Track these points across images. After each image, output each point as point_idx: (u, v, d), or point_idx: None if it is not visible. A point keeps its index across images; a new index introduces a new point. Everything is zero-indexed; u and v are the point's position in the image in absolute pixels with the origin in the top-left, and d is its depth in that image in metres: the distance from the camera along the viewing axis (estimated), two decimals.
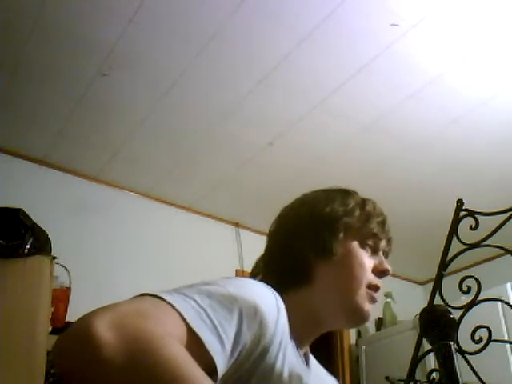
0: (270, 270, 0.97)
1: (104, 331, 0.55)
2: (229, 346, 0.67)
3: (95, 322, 0.56)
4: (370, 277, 0.93)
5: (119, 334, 0.56)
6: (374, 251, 0.96)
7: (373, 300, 0.92)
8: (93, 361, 0.55)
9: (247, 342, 0.70)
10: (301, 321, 0.88)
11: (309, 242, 0.93)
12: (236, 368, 0.71)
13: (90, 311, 0.59)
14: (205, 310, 0.66)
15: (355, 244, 0.94)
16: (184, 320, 0.63)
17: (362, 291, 0.91)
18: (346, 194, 0.99)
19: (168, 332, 0.60)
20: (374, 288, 0.93)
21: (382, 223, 0.98)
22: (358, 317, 0.92)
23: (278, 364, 0.77)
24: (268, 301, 0.77)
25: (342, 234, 0.93)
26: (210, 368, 0.63)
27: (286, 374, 0.79)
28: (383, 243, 0.97)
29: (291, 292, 0.90)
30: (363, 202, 0.98)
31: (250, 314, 0.71)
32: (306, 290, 0.91)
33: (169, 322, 0.62)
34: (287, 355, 0.79)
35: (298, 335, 0.86)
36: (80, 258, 2.99)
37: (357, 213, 0.96)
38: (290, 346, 0.81)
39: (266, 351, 0.74)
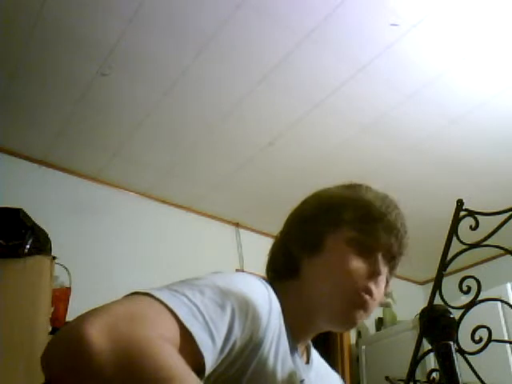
0: (271, 262, 0.95)
1: (96, 338, 0.54)
2: (220, 342, 0.66)
3: (87, 327, 0.55)
4: (360, 283, 0.84)
5: (111, 341, 0.55)
6: (370, 251, 0.87)
7: (361, 306, 0.85)
8: (85, 368, 0.54)
9: (239, 338, 0.70)
10: (294, 315, 0.85)
11: (298, 234, 0.90)
12: (230, 364, 0.71)
13: (80, 314, 0.58)
14: (197, 307, 0.66)
15: (345, 242, 0.86)
16: (176, 317, 0.63)
17: (348, 296, 0.84)
18: (357, 186, 0.92)
19: (160, 334, 0.59)
20: (365, 292, 0.85)
21: (389, 219, 0.90)
22: (340, 321, 0.87)
23: (271, 357, 0.76)
24: (259, 293, 0.76)
25: (333, 226, 0.87)
26: (200, 364, 0.63)
27: (279, 368, 0.78)
28: (385, 240, 0.88)
29: (284, 285, 0.89)
30: (365, 190, 0.91)
31: (242, 309, 0.70)
32: (295, 284, 0.89)
33: (160, 321, 0.62)
34: (280, 348, 0.79)
35: (293, 329, 0.85)
36: (80, 258, 2.99)
37: (356, 203, 0.88)
38: (283, 338, 0.80)
39: (259, 345, 0.74)
